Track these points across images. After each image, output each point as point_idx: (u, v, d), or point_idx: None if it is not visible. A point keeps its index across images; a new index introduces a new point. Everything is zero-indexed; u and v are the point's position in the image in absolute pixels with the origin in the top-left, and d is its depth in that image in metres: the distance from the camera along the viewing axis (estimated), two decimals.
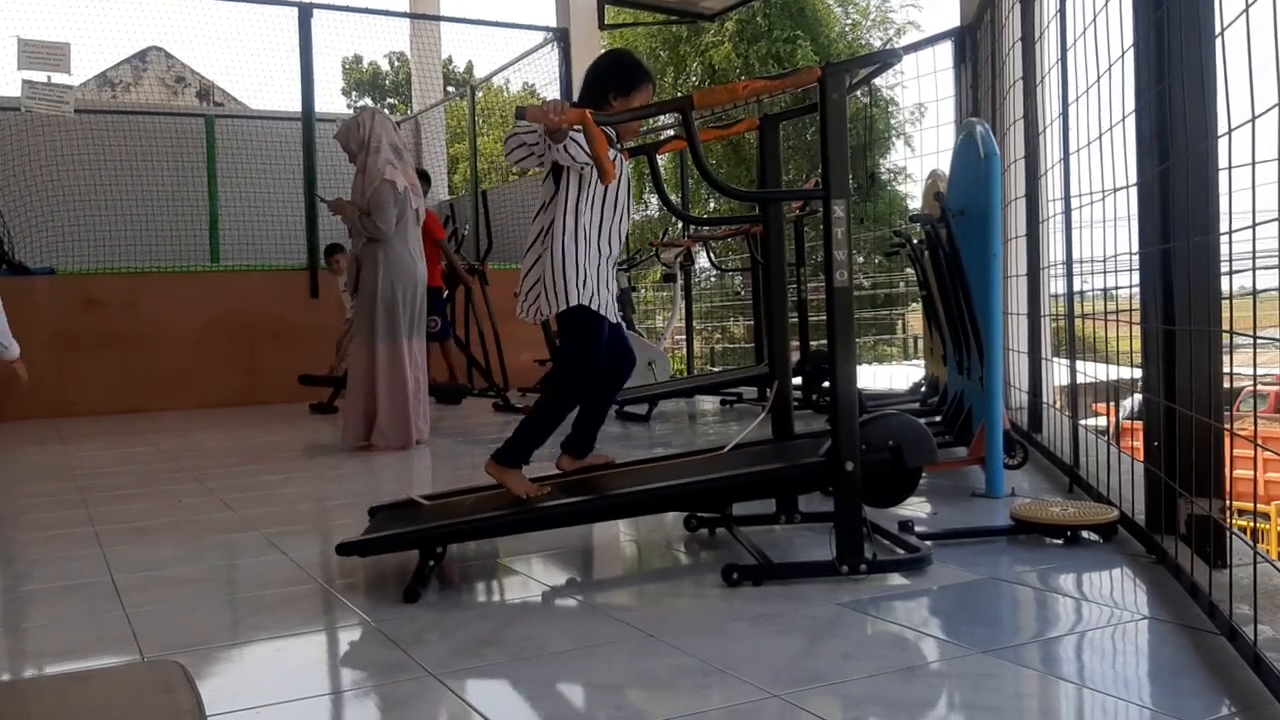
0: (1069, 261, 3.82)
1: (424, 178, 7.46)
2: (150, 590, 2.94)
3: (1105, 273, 3.32)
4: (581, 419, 3.35)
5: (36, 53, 7.95)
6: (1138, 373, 2.92)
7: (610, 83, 3.13)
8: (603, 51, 3.41)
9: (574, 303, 3.07)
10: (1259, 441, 2.13)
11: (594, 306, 3.09)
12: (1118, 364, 3.68)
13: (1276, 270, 2.02)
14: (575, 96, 3.26)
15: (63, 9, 9.61)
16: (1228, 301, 2.50)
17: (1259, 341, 2.05)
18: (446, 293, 8.11)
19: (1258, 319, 1.98)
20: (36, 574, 3.21)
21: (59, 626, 2.66)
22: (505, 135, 3.13)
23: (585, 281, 3.08)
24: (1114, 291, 3.35)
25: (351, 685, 2.21)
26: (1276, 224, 1.80)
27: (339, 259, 8.06)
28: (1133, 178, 2.82)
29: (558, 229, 3.07)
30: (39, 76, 8.01)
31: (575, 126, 2.78)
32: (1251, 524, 8.12)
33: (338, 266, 8.08)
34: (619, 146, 3.13)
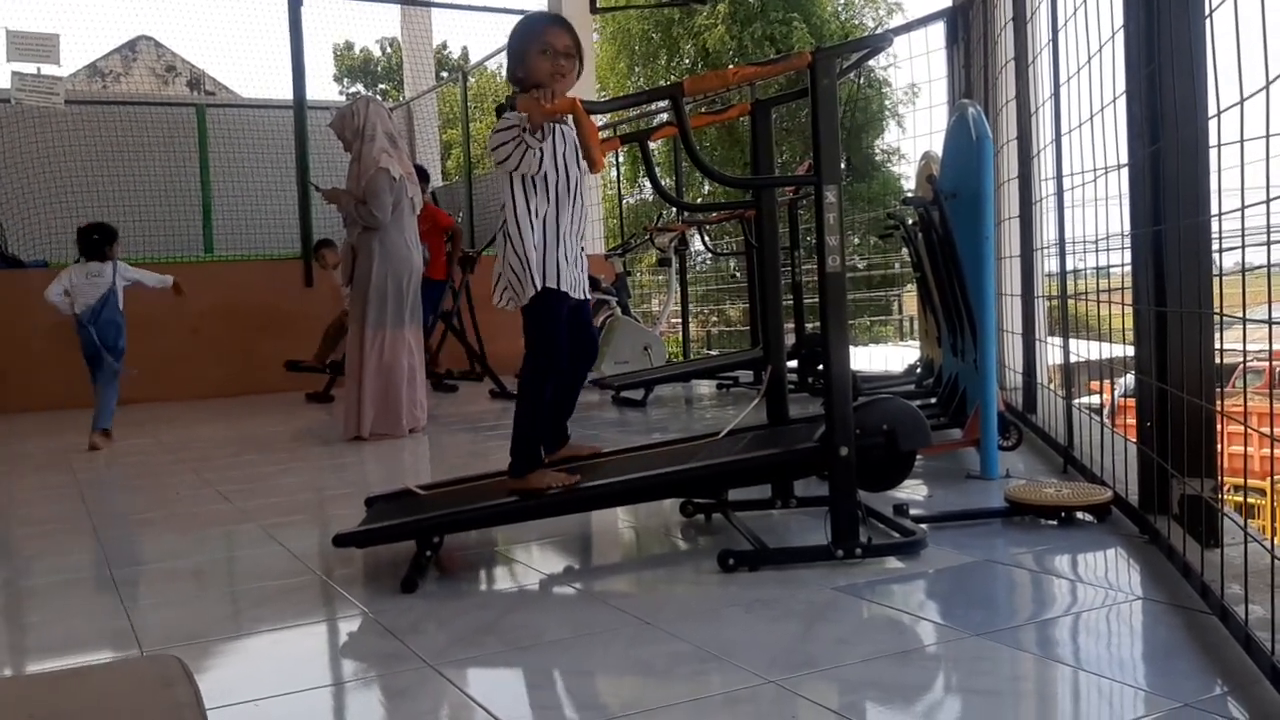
0: (1060, 242, 3.83)
1: (422, 174, 7.43)
2: (148, 583, 2.95)
3: (1099, 251, 3.33)
4: (551, 407, 3.31)
5: (25, 44, 7.92)
6: (1131, 350, 2.92)
7: (514, 69, 3.03)
8: (513, 28, 3.26)
9: (535, 289, 2.99)
10: (1251, 423, 2.13)
11: (556, 285, 3.01)
12: (1110, 342, 3.69)
13: (1265, 248, 2.03)
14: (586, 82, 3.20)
15: None
16: (1218, 279, 2.50)
17: (1251, 320, 2.05)
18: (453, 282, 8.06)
19: (1247, 296, 1.99)
20: (34, 568, 3.22)
21: (57, 621, 2.67)
22: (489, 144, 3.07)
23: (542, 264, 3.00)
24: (1108, 270, 3.36)
25: (350, 676, 2.22)
26: (1265, 205, 1.81)
27: (326, 254, 8.04)
28: (1124, 158, 2.82)
29: (509, 216, 3.00)
30: (28, 68, 7.98)
31: (564, 114, 2.78)
32: (1243, 498, 8.14)
33: (325, 262, 8.05)
34: (564, 121, 3.06)
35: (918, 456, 3.32)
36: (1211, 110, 2.03)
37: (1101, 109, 3.00)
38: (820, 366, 6.47)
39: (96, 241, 5.89)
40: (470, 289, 8.14)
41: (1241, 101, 1.83)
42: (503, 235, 3.05)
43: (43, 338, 8.27)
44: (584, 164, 3.04)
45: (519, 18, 3.16)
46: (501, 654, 2.24)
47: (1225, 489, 2.87)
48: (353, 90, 31.70)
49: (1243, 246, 2.05)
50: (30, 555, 3.40)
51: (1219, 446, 2.56)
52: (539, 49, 2.96)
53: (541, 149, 2.89)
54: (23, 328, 8.28)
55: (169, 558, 3.26)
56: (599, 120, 3.19)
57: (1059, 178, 3.83)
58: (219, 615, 2.68)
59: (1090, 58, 3.14)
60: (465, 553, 3.15)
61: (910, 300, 14.23)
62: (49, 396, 8.18)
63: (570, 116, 2.88)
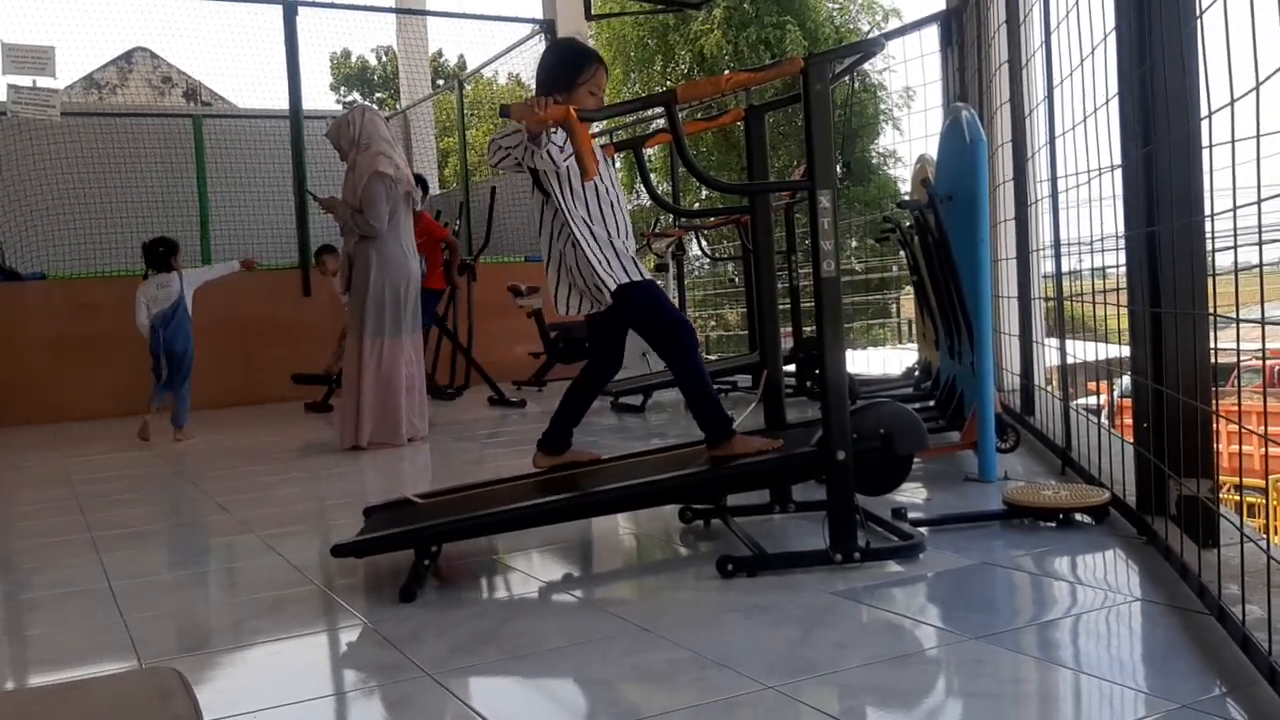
0: (1056, 243, 3.83)
1: (421, 184, 7.43)
2: (147, 595, 2.95)
3: (1094, 252, 3.33)
4: (562, 411, 3.35)
5: (20, 57, 7.92)
6: (1128, 351, 2.93)
7: (555, 81, 3.13)
8: (551, 45, 3.41)
9: (614, 288, 3.12)
10: (1248, 423, 2.13)
11: (635, 278, 3.17)
12: (1107, 342, 3.69)
13: (1258, 247, 2.02)
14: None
15: (46, 11, 9.60)
16: (1212, 280, 2.51)
17: (1244, 319, 2.05)
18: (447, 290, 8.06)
19: (1239, 295, 1.99)
20: (34, 581, 3.22)
21: (56, 633, 2.67)
22: (489, 139, 3.14)
23: (613, 264, 3.14)
24: (1104, 271, 3.36)
25: (350, 686, 2.22)
26: (1257, 205, 1.81)
27: (327, 260, 8.05)
28: (1118, 160, 2.82)
29: (577, 229, 3.12)
30: (24, 81, 7.98)
31: (557, 123, 2.79)
32: (1239, 497, 8.13)
33: (325, 268, 8.07)
34: (557, 129, 3.12)
35: (915, 459, 3.32)
36: (1203, 111, 2.03)
37: (1095, 110, 3.01)
38: (817, 370, 6.50)
39: (161, 254, 6.45)
40: (471, 297, 8.16)
41: (1233, 102, 1.84)
42: (561, 251, 3.17)
43: (41, 351, 8.28)
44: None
45: (554, 45, 3.31)
46: (501, 663, 2.24)
47: (1223, 489, 2.88)
48: (349, 99, 31.73)
49: (1235, 246, 2.05)
50: (30, 568, 3.39)
51: (1215, 447, 2.56)
52: (589, 88, 3.12)
53: (549, 150, 2.94)
54: (20, 341, 8.28)
55: (168, 569, 3.26)
56: (594, 127, 3.21)
57: (1054, 179, 3.84)
58: (218, 626, 2.68)
59: (1083, 60, 3.14)
60: (464, 561, 3.15)
61: (908, 303, 14.24)
62: (48, 410, 8.18)
63: (572, 127, 2.89)
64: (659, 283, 3.42)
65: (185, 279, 6.45)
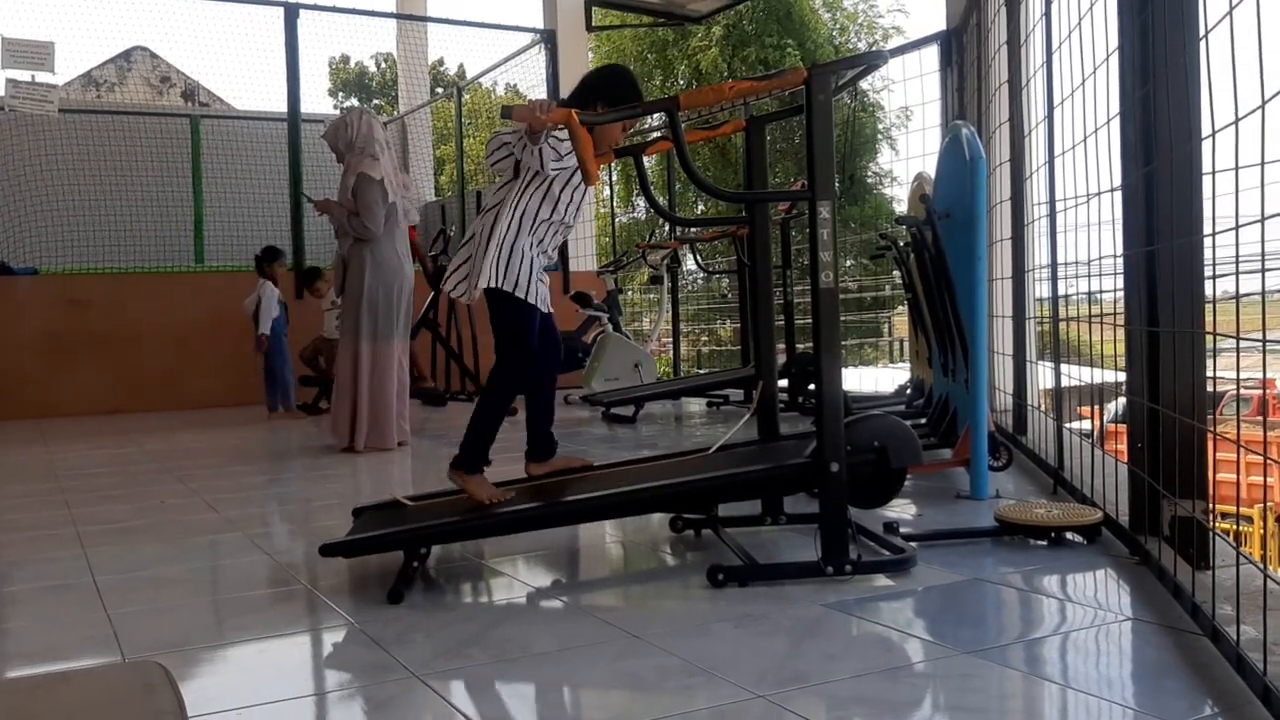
0: (1053, 265, 3.83)
1: None
2: (133, 591, 2.92)
3: (1090, 276, 3.33)
4: (530, 418, 3.34)
5: (20, 52, 7.90)
6: (1122, 376, 2.93)
7: (604, 92, 3.14)
8: (607, 64, 3.43)
9: (492, 285, 3.07)
10: (1242, 444, 2.13)
11: (530, 299, 3.12)
12: (1102, 367, 3.69)
13: (1260, 274, 2.03)
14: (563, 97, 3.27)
15: (47, 8, 9.57)
16: (1211, 306, 2.51)
17: (1242, 345, 2.05)
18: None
19: (1240, 323, 1.99)
20: (17, 575, 3.19)
21: (39, 628, 2.65)
22: (492, 135, 3.13)
23: (522, 270, 3.09)
24: (1098, 295, 3.36)
25: (334, 687, 2.20)
26: (1260, 226, 1.81)
27: (319, 285, 8.08)
28: (1117, 181, 2.83)
29: (505, 215, 3.09)
30: (23, 75, 7.96)
31: (559, 126, 2.79)
32: (1235, 527, 8.15)
33: (318, 292, 8.09)
34: (560, 136, 3.12)
35: (908, 475, 3.31)
36: (1205, 131, 2.03)
37: (1095, 131, 3.02)
38: (811, 386, 6.50)
39: (259, 260, 7.66)
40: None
41: (1236, 122, 1.84)
42: (481, 229, 3.14)
43: (31, 346, 8.24)
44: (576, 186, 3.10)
45: (622, 69, 3.41)
46: (487, 666, 2.22)
47: (1215, 515, 2.87)
48: (347, 104, 31.74)
49: (1237, 272, 2.05)
50: (14, 561, 3.36)
51: (1209, 472, 2.56)
52: (623, 123, 3.12)
53: (541, 150, 2.93)
54: (11, 336, 8.24)
55: (154, 566, 3.23)
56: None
57: (1051, 201, 3.84)
58: (203, 624, 2.66)
59: (1085, 79, 3.15)
60: (453, 564, 3.13)
61: (900, 323, 14.26)
62: (36, 405, 8.14)
63: (574, 130, 2.89)
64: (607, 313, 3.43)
65: (269, 293, 7.49)
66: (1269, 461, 1.85)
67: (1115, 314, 3.05)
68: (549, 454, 3.34)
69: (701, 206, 20.58)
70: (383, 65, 32.05)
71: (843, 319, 2.93)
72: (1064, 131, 3.61)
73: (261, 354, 7.54)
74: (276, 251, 7.72)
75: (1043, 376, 4.74)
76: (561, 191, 3.14)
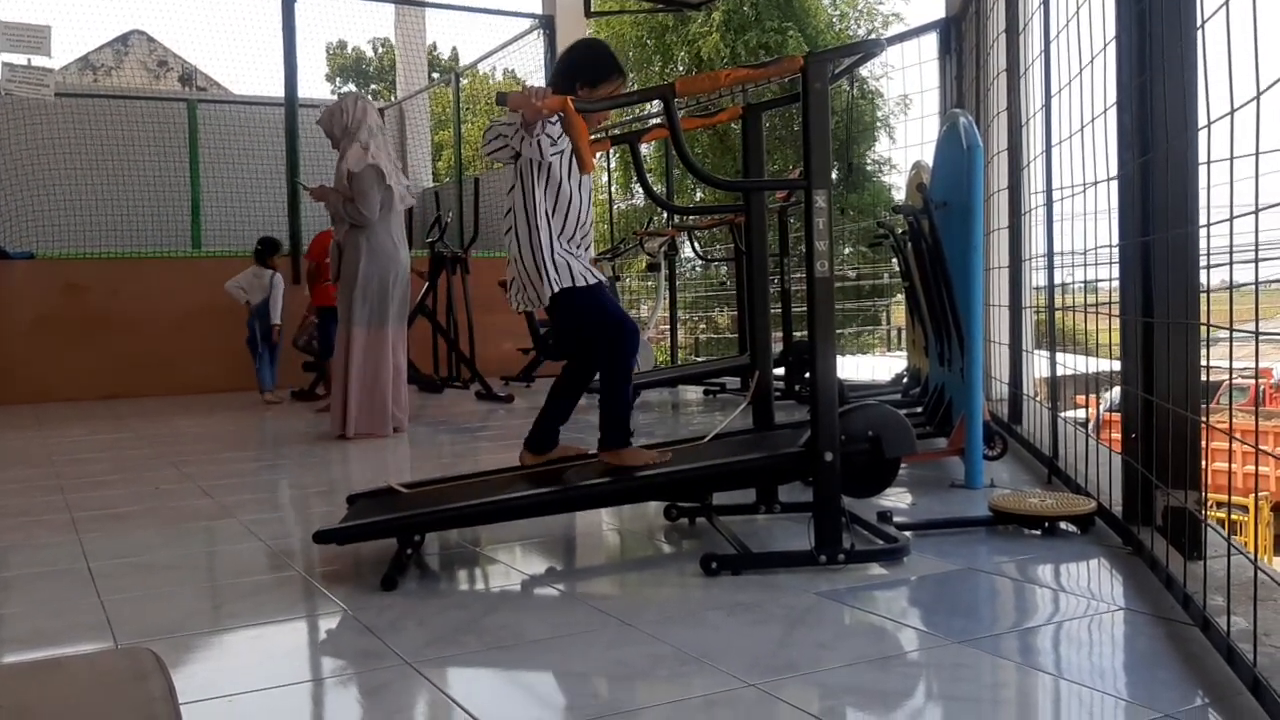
0: (1049, 254, 3.83)
1: None
2: (125, 577, 2.92)
3: (1086, 265, 3.33)
4: (547, 413, 3.36)
5: (16, 35, 7.87)
6: (1118, 365, 2.92)
7: (580, 72, 3.13)
8: (580, 39, 3.42)
9: (556, 290, 3.09)
10: (1236, 435, 2.13)
11: (580, 283, 3.13)
12: (1098, 356, 3.69)
13: (1253, 264, 2.02)
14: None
15: None
16: (1205, 295, 2.50)
17: (1237, 336, 2.05)
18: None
19: (1234, 313, 1.98)
20: (10, 560, 3.19)
21: (31, 613, 2.64)
22: (487, 125, 3.12)
23: (560, 264, 3.11)
24: (1095, 284, 3.36)
25: (327, 673, 2.20)
26: (1254, 217, 1.81)
27: (274, 260, 8.08)
28: (1114, 170, 2.82)
29: (521, 220, 3.10)
30: (19, 59, 7.93)
31: (554, 113, 2.77)
32: (1227, 515, 8.16)
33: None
34: (554, 120, 3.12)
35: (902, 464, 3.31)
36: (1202, 121, 2.02)
37: (1093, 119, 3.01)
38: (807, 374, 6.50)
39: (260, 251, 7.70)
40: (467, 291, 8.14)
41: (1232, 112, 1.83)
42: (511, 241, 3.16)
43: (26, 330, 8.22)
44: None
45: (591, 41, 3.35)
46: (481, 653, 2.22)
47: (1209, 506, 2.87)
48: (345, 89, 31.64)
49: (1231, 262, 2.05)
50: (7, 547, 3.36)
51: (1203, 462, 2.56)
52: (611, 89, 3.12)
53: (539, 140, 2.93)
54: (7, 320, 8.23)
55: (147, 551, 3.23)
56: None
57: (1049, 190, 3.84)
58: (196, 610, 2.66)
59: (1083, 69, 3.14)
60: (447, 552, 3.14)
61: (898, 311, 14.25)
62: (31, 390, 8.13)
63: (569, 118, 2.88)
64: (612, 283, 3.45)
65: (275, 284, 7.58)
66: (1261, 452, 1.85)
67: (1110, 303, 3.05)
68: (548, 449, 3.35)
69: (700, 194, 20.56)
70: (380, 50, 31.95)
71: (840, 307, 2.93)
72: (1061, 120, 3.61)
73: (275, 344, 7.63)
74: (277, 244, 7.87)
75: (1039, 366, 4.74)
76: (563, 181, 3.13)
